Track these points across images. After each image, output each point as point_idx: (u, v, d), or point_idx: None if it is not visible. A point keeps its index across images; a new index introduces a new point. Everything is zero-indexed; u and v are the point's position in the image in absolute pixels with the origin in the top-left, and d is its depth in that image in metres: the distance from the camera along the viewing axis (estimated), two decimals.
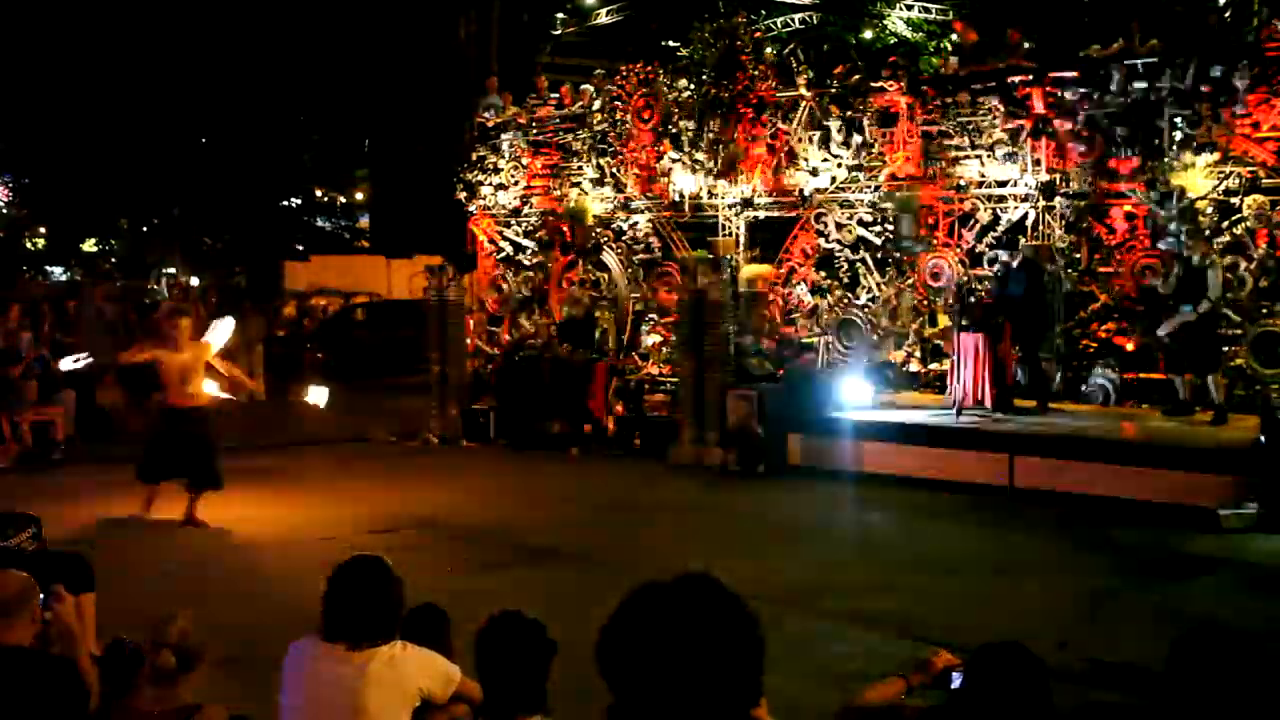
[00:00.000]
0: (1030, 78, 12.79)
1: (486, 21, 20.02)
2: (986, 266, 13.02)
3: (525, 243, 17.11)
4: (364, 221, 39.03)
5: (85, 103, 26.68)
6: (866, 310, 14.00)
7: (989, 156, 13.02)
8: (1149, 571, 8.20)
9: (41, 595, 3.81)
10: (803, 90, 14.38)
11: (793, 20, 18.64)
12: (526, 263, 17.04)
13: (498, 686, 3.23)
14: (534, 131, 16.87)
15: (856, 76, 14.23)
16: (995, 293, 12.23)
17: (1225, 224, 11.85)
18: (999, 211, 13.14)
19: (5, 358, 13.40)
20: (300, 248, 32.09)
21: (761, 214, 14.96)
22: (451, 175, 17.91)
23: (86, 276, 26.25)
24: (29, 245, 31.64)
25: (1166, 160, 11.96)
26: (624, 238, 16.04)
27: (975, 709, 2.93)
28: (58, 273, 30.40)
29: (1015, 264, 12.32)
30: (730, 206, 14.98)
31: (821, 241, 14.36)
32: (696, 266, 13.00)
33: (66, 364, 11.81)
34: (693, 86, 15.11)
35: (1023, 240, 12.83)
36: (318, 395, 10.84)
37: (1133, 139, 12.12)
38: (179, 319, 9.94)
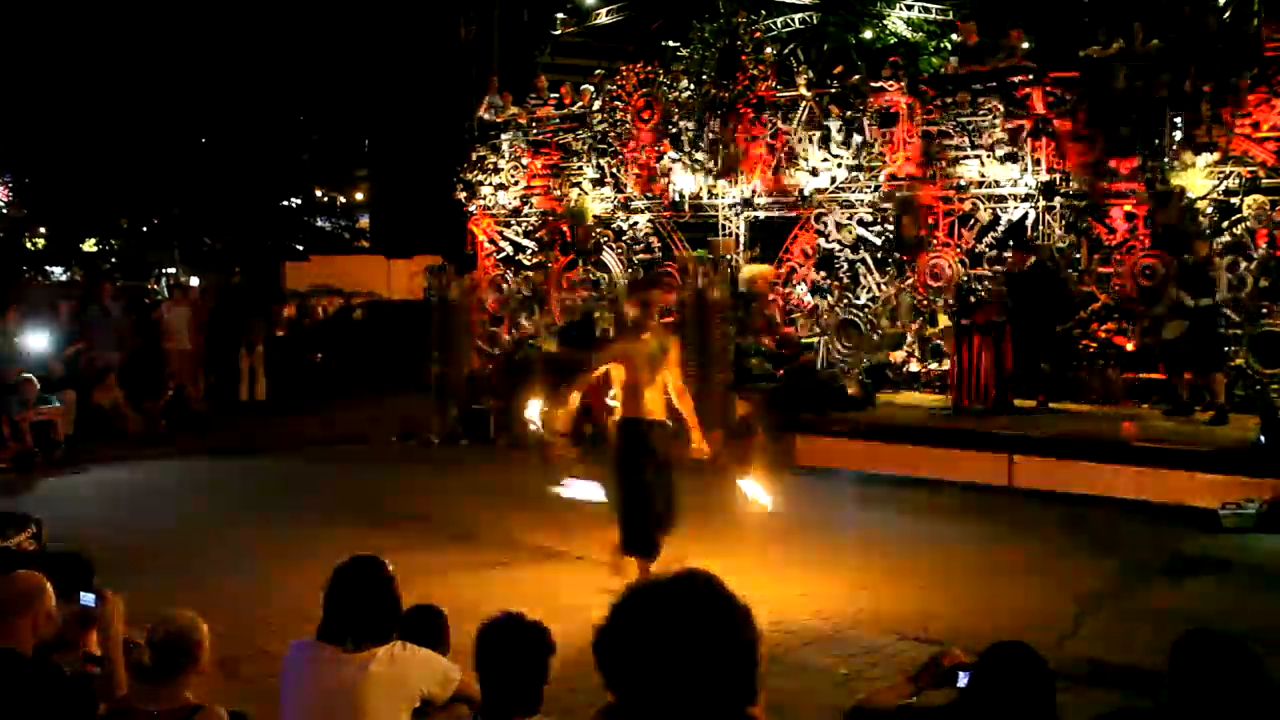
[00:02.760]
0: (1030, 78, 12.79)
1: (486, 21, 19.99)
2: (986, 266, 13.02)
3: (525, 243, 17.11)
4: (364, 221, 39.00)
5: (85, 103, 26.67)
6: (866, 310, 14.00)
7: (989, 156, 13.01)
8: (1149, 571, 8.19)
9: (92, 595, 3.78)
10: (803, 90, 14.38)
11: (793, 20, 18.61)
12: (526, 263, 17.04)
13: (497, 688, 3.22)
14: (534, 131, 16.88)
15: (856, 77, 14.24)
16: (993, 292, 12.23)
17: (1225, 224, 11.85)
18: (999, 211, 13.13)
19: (5, 358, 13.40)
20: (300, 248, 32.07)
21: (761, 214, 14.96)
22: (451, 175, 17.91)
23: (85, 277, 26.21)
24: (29, 245, 31.58)
25: (1166, 160, 11.97)
26: (624, 238, 16.04)
27: (982, 709, 2.93)
28: (58, 273, 30.35)
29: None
30: (730, 206, 14.97)
31: (821, 241, 14.36)
32: (696, 266, 13.00)
33: None
34: (693, 86, 15.11)
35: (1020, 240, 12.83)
36: (761, 495, 8.26)
37: (1133, 139, 12.12)
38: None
